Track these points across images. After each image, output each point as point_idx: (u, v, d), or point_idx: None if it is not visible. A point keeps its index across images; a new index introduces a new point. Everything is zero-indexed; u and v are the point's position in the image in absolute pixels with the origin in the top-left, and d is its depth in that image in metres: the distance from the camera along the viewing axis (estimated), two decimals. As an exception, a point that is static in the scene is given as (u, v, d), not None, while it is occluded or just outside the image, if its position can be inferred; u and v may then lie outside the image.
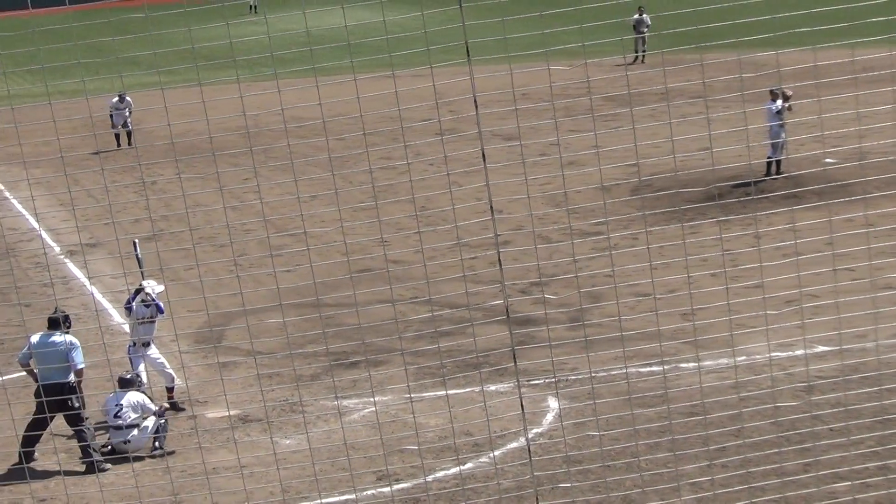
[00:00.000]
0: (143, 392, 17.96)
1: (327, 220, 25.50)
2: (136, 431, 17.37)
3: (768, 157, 30.52)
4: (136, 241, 19.34)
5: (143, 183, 32.19)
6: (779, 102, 30.01)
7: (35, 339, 17.19)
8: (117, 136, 42.18)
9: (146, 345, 18.82)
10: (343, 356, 20.14)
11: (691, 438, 15.22)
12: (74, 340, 17.08)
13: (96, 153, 37.82)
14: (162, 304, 18.69)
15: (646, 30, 50.71)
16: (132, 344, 18.94)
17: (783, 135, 29.92)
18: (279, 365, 19.68)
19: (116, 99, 41.62)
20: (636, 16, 50.79)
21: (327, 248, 25.20)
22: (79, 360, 16.92)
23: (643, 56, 52.21)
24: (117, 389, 17.65)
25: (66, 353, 16.84)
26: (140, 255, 19.05)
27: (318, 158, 30.95)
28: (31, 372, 17.17)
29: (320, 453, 16.07)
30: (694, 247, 21.06)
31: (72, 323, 17.62)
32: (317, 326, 18.64)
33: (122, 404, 17.46)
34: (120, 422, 17.45)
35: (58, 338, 17.01)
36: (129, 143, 42.15)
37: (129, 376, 17.87)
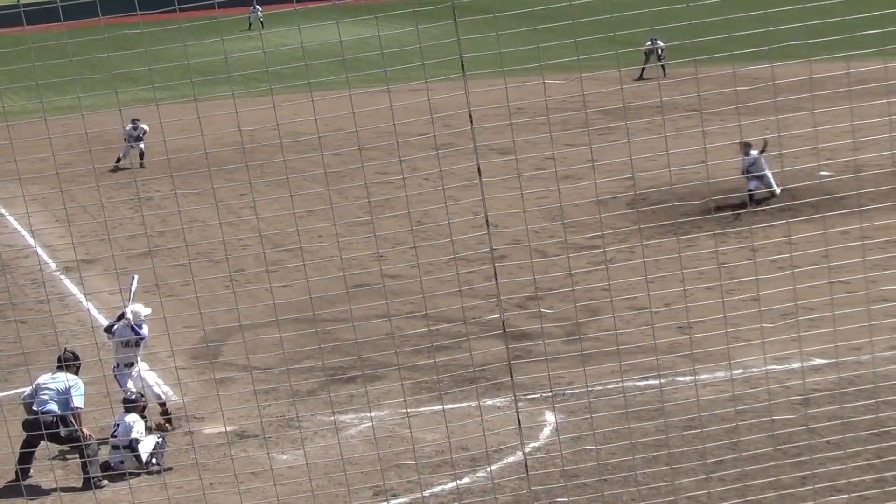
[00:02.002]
0: (142, 411, 17.92)
1: (324, 236, 25.50)
2: (130, 453, 17.33)
3: (749, 191, 29.19)
4: (136, 276, 19.34)
5: (139, 199, 32.19)
6: (753, 153, 29.29)
7: (41, 378, 17.21)
8: (118, 159, 41.30)
9: (129, 365, 18.81)
10: (340, 371, 20.13)
11: (688, 452, 15.20)
12: (79, 381, 17.09)
13: (114, 169, 37.76)
14: (141, 329, 18.66)
15: (661, 52, 50.91)
16: (115, 365, 18.93)
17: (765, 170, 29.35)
18: (276, 380, 19.66)
19: (130, 126, 39.94)
20: (648, 44, 50.94)
21: (324, 264, 25.21)
22: (77, 397, 16.91)
23: (643, 70, 52.14)
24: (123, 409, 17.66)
25: (66, 390, 16.85)
26: (133, 291, 19.06)
27: (314, 173, 30.96)
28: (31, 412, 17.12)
29: (317, 469, 16.05)
30: (690, 260, 21.10)
31: (80, 366, 17.63)
32: (314, 342, 18.62)
33: (118, 424, 17.46)
34: (115, 441, 17.45)
35: (62, 376, 17.04)
36: (142, 165, 41.21)
37: (133, 397, 17.86)
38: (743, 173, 29.03)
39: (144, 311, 18.85)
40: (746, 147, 28.96)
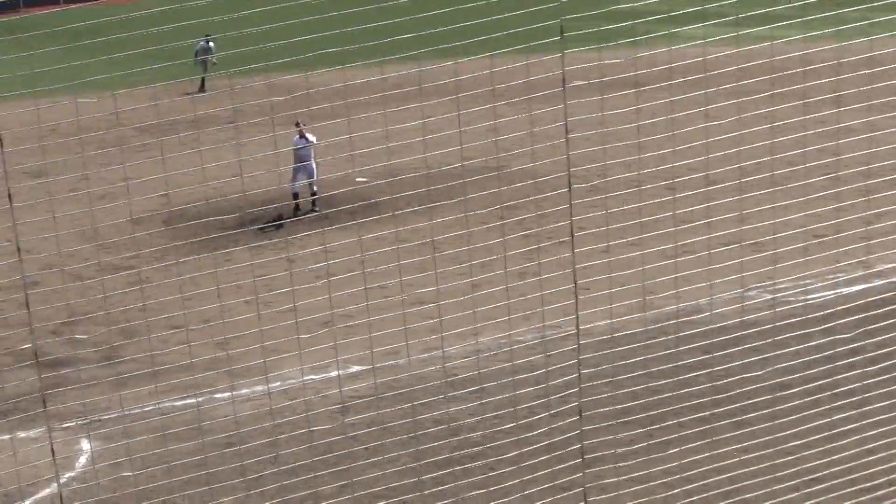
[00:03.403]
0: None
1: None
2: None
3: (294, 192, 28.69)
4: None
5: None
6: (310, 136, 28.86)
7: None
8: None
9: None
10: None
11: (228, 470, 14.93)
12: None
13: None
14: None
15: (212, 56, 49.99)
16: None
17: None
18: None
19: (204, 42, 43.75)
20: (202, 43, 49.89)
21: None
22: None
23: (203, 81, 51.05)
24: None
25: None
26: None
27: None
28: None
29: None
30: (228, 274, 20.83)
31: None
32: None
33: None
34: None
35: None
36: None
37: None
38: (297, 158, 28.51)
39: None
40: (301, 131, 28.32)
